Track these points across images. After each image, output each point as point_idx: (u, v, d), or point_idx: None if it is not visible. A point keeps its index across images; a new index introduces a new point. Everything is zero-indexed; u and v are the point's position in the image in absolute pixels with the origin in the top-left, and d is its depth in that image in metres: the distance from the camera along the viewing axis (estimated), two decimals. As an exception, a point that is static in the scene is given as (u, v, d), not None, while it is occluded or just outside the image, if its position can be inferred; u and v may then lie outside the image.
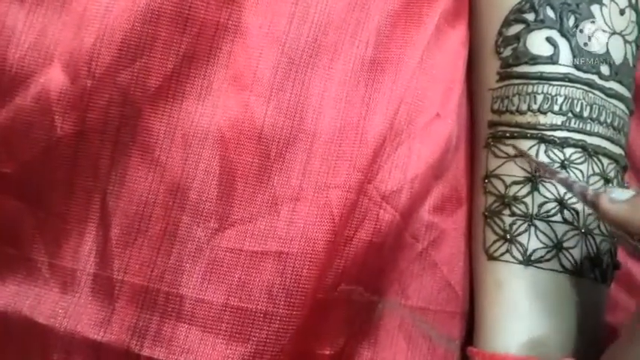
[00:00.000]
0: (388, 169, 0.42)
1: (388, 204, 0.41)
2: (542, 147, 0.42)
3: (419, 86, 0.43)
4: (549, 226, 0.42)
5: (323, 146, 0.40)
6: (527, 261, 0.41)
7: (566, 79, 0.43)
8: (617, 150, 0.44)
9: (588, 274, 0.41)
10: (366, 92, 0.42)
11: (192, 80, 0.39)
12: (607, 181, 0.43)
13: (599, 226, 0.42)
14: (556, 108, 0.43)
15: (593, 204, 0.37)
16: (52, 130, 0.37)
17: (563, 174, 0.40)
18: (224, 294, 0.39)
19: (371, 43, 0.42)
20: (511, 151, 0.43)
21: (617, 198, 0.36)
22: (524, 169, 0.43)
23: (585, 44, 0.43)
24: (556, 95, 0.43)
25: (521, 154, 0.42)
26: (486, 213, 0.44)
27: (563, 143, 0.42)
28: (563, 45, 0.43)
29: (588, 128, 0.43)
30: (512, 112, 0.44)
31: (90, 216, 0.39)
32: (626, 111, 0.45)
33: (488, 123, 0.45)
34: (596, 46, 0.43)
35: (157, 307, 0.39)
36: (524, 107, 0.43)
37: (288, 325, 0.39)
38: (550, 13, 0.43)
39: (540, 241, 0.41)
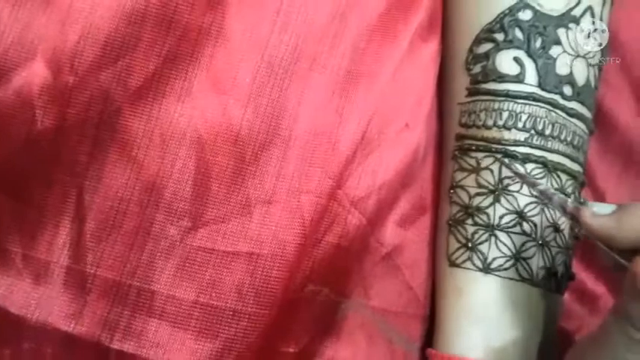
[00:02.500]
0: (358, 176, 0.43)
1: (356, 209, 0.43)
2: (505, 161, 0.44)
3: (390, 99, 0.45)
4: (509, 236, 0.43)
5: (297, 152, 0.41)
6: (487, 269, 0.43)
7: (530, 97, 0.44)
8: (575, 167, 0.46)
9: (544, 284, 0.43)
10: (339, 102, 0.43)
11: (173, 81, 0.40)
12: (565, 196, 0.44)
13: (555, 239, 0.44)
14: (520, 125, 0.44)
15: (572, 216, 0.38)
16: (32, 124, 0.38)
17: (543, 185, 0.42)
18: (194, 291, 0.40)
19: (347, 55, 0.43)
20: (475, 163, 0.45)
21: (600, 212, 0.36)
22: (488, 182, 0.44)
23: (550, 65, 0.45)
24: (520, 113, 0.44)
25: (506, 165, 0.44)
26: (450, 222, 0.45)
27: (525, 159, 0.44)
28: (529, 65, 0.45)
29: (549, 145, 0.44)
30: (478, 127, 0.45)
31: (66, 210, 0.40)
32: (586, 130, 0.47)
33: (455, 136, 0.47)
34: (561, 67, 0.45)
35: (129, 302, 0.39)
36: (490, 122, 0.45)
37: (256, 323, 0.40)
38: (519, 34, 0.45)
39: (500, 251, 0.43)
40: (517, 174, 0.43)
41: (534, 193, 0.43)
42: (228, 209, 0.40)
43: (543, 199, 0.42)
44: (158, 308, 0.39)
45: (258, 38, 0.41)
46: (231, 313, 0.40)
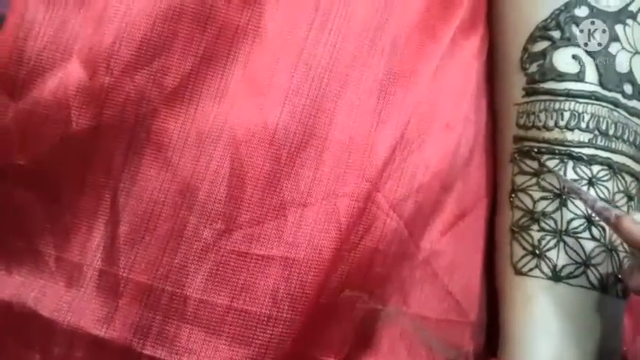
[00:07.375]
0: (397, 179, 0.41)
1: (395, 212, 0.41)
2: (570, 164, 0.42)
3: (431, 98, 0.43)
4: (578, 242, 0.41)
5: (333, 154, 0.40)
6: (557, 277, 0.41)
7: (592, 97, 0.42)
8: (638, 168, 0.43)
9: (612, 291, 0.41)
10: (378, 102, 0.41)
11: (210, 81, 0.39)
12: (630, 198, 0.42)
13: (622, 243, 0.41)
14: (583, 125, 0.42)
15: (614, 225, 0.37)
16: (67, 124, 0.38)
17: (587, 193, 0.40)
18: (228, 296, 0.38)
19: (386, 54, 0.42)
20: (537, 166, 0.43)
21: None
22: (553, 185, 0.42)
23: (610, 63, 0.43)
24: (583, 113, 0.42)
25: (549, 170, 0.42)
26: (514, 228, 0.43)
27: (591, 160, 0.42)
28: (588, 63, 0.43)
29: (613, 146, 0.42)
30: (538, 128, 0.43)
31: (100, 212, 0.39)
32: None
33: (513, 138, 0.44)
34: (620, 65, 0.43)
35: (161, 307, 0.38)
36: (551, 123, 0.42)
37: (291, 329, 0.38)
38: (576, 31, 0.43)
39: (569, 257, 0.41)
40: (562, 180, 0.41)
41: (575, 198, 0.41)
42: (263, 212, 0.39)
43: (586, 206, 0.40)
44: (191, 313, 0.38)
45: (295, 37, 0.40)
46: (265, 318, 0.38)
